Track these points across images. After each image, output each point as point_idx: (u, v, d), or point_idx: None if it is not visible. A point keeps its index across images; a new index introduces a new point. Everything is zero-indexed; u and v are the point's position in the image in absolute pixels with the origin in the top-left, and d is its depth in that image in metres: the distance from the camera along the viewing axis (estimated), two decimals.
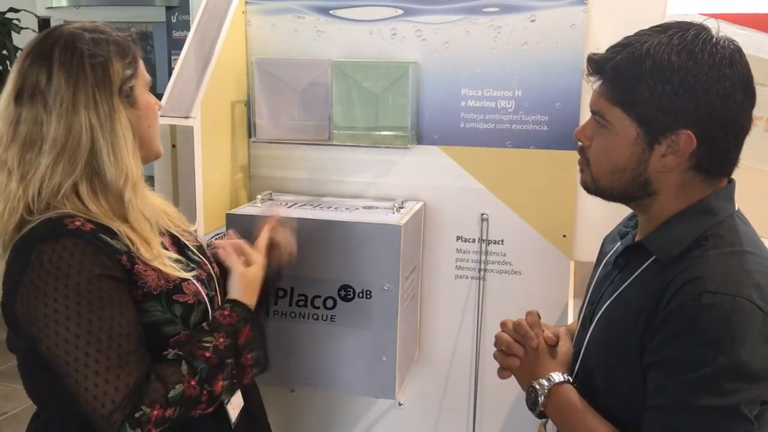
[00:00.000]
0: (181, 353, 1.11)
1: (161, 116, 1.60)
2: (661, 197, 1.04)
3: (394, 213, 1.71)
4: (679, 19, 1.02)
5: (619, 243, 1.18)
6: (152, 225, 1.17)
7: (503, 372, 1.22)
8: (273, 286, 1.50)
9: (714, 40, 0.97)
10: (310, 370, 1.74)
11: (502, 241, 1.85)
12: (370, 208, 1.80)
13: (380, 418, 2.02)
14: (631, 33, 1.03)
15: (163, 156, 1.63)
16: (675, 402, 0.93)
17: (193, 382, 1.09)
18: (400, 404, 1.98)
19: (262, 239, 1.40)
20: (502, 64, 1.77)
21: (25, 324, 1.06)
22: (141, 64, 1.19)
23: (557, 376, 1.13)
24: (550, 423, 1.23)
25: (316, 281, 1.69)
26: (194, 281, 1.19)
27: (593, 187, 1.09)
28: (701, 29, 0.98)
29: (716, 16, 2.29)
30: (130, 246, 1.11)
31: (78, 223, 1.07)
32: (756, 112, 2.43)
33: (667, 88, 0.96)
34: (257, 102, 1.87)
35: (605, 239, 1.28)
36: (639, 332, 0.99)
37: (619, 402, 1.05)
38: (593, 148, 1.07)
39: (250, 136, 1.92)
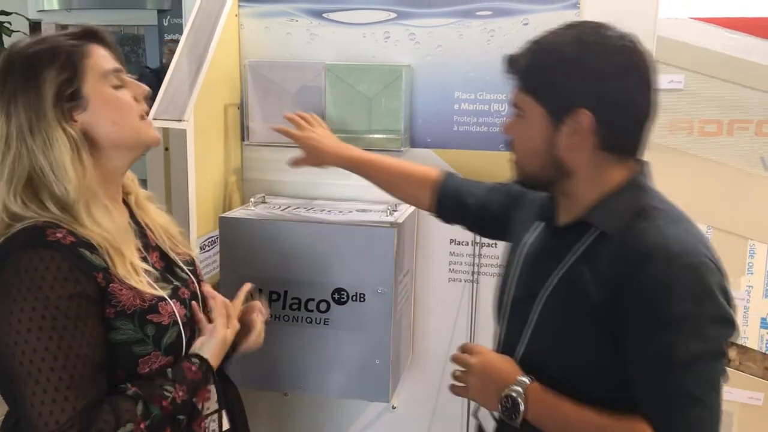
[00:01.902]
0: (140, 393, 1.08)
1: (154, 119, 1.60)
2: (578, 178, 1.14)
3: (387, 216, 1.72)
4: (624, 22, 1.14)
5: (537, 230, 1.26)
6: (118, 238, 1.13)
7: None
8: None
9: (609, 33, 1.10)
10: (304, 373, 1.73)
11: (496, 244, 1.85)
12: (364, 211, 1.80)
13: (374, 422, 2.01)
14: None
15: (156, 159, 1.63)
16: (668, 358, 1.02)
17: (143, 426, 1.05)
18: (393, 407, 1.98)
19: (238, 305, 1.34)
20: (495, 68, 1.73)
21: None
22: (93, 57, 1.13)
23: (525, 377, 1.15)
24: (483, 409, 1.28)
25: (309, 284, 1.69)
26: (171, 301, 1.17)
27: (521, 177, 1.21)
28: (601, 25, 1.12)
29: (707, 20, 2.32)
30: (108, 262, 1.09)
31: (59, 235, 1.06)
32: (745, 116, 2.45)
33: (563, 73, 1.09)
34: (250, 105, 1.87)
35: (513, 230, 1.36)
36: (602, 304, 1.07)
37: (573, 377, 1.12)
38: (515, 138, 1.19)
39: (243, 139, 1.92)
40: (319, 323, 1.70)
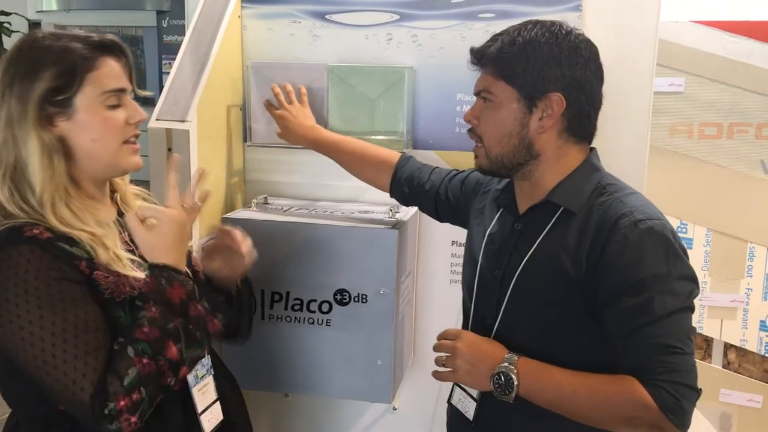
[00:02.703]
0: (122, 340, 1.09)
1: (157, 120, 1.60)
2: (543, 160, 1.24)
3: (389, 217, 1.72)
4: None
5: (497, 216, 1.35)
6: (98, 232, 1.14)
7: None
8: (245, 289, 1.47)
9: (570, 28, 1.23)
10: (305, 374, 1.73)
11: (466, 238, 1.85)
12: (366, 212, 1.80)
13: (374, 423, 2.01)
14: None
15: (159, 160, 1.63)
16: (647, 315, 1.12)
17: (145, 360, 1.07)
18: (394, 409, 1.98)
19: (170, 187, 1.19)
20: None
21: None
22: (99, 70, 1.14)
23: (512, 354, 1.20)
24: (456, 394, 1.37)
25: (311, 285, 1.69)
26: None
27: (486, 163, 1.28)
28: (559, 22, 1.24)
29: (707, 24, 2.33)
30: (90, 252, 1.11)
31: (36, 231, 1.08)
32: (745, 119, 2.46)
33: (539, 59, 1.19)
34: (253, 106, 1.87)
35: (471, 218, 1.46)
36: (576, 276, 1.17)
37: (549, 348, 1.20)
38: (482, 124, 1.26)
39: (245, 141, 1.92)
40: (321, 324, 1.70)
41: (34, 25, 4.28)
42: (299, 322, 1.71)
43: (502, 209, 1.35)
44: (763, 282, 2.41)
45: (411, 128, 1.85)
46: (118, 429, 1.04)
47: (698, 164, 2.39)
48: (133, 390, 1.05)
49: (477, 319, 1.35)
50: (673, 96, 2.35)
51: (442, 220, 1.67)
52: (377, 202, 1.86)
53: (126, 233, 1.21)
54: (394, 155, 1.67)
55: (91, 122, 1.13)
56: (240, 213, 1.78)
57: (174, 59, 1.74)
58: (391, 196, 1.67)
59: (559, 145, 1.24)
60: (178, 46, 1.78)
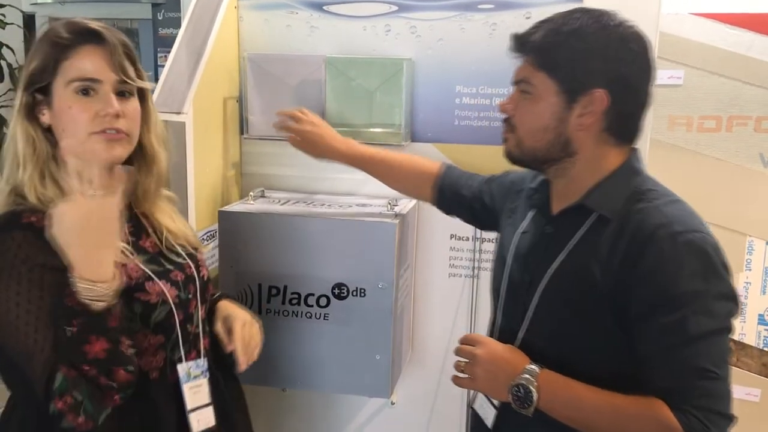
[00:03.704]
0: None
1: None
2: (580, 159, 1.16)
3: (388, 210, 1.70)
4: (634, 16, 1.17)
5: (529, 218, 1.27)
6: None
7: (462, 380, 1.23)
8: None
9: (620, 19, 1.14)
10: (303, 369, 1.72)
11: (496, 239, 1.84)
12: (364, 205, 1.78)
13: (372, 418, 2.00)
14: None
15: None
16: (680, 335, 1.04)
17: (66, 367, 1.04)
18: (392, 403, 1.97)
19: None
20: (497, 61, 1.76)
21: None
22: (73, 59, 1.12)
23: (534, 365, 1.14)
24: (479, 399, 1.29)
25: (309, 279, 1.68)
26: (160, 281, 1.17)
27: (517, 152, 1.20)
28: (609, 12, 1.15)
29: (708, 16, 2.31)
30: None
31: (34, 218, 1.09)
32: (745, 112, 2.45)
33: (584, 52, 1.11)
34: (250, 98, 1.85)
35: (503, 219, 1.38)
36: (607, 287, 1.09)
37: (575, 360, 1.13)
38: (518, 114, 1.18)
39: (242, 133, 1.90)
40: (319, 318, 1.68)
41: (29, 17, 4.25)
42: (297, 316, 1.69)
43: (535, 210, 1.27)
44: (761, 276, 2.40)
45: (409, 121, 1.83)
46: (70, 427, 1.02)
47: (697, 157, 2.37)
48: (64, 393, 1.02)
49: (503, 323, 1.28)
50: (672, 89, 2.33)
51: (484, 228, 1.63)
52: (375, 195, 1.85)
53: (128, 224, 1.21)
54: (433, 165, 1.60)
55: (60, 111, 1.13)
56: (237, 206, 1.76)
57: (170, 52, 1.72)
58: (437, 207, 1.61)
59: (598, 144, 1.15)
60: (173, 39, 1.75)
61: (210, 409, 1.25)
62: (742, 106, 2.33)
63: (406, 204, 1.78)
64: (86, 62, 1.12)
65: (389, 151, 1.64)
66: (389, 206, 1.71)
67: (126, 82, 1.15)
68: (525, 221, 1.28)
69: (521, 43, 1.17)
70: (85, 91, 1.12)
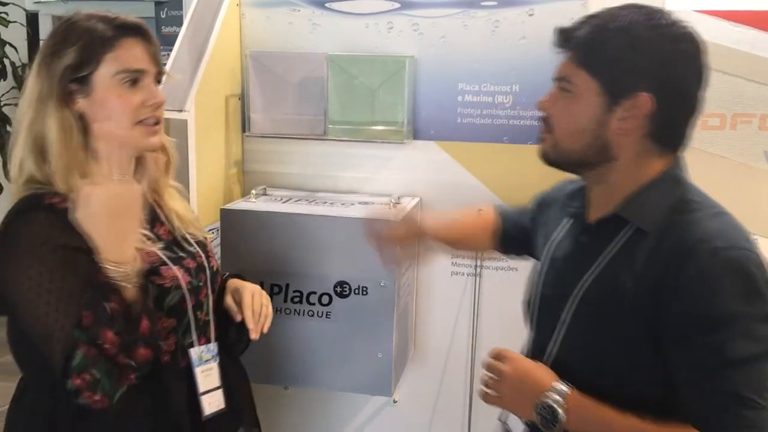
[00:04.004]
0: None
1: None
2: (619, 165, 1.08)
3: (390, 209, 1.70)
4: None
5: (565, 228, 1.20)
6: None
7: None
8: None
9: (673, 18, 1.05)
10: (305, 367, 1.72)
11: None
12: (366, 203, 1.78)
13: (375, 416, 2.00)
14: None
15: None
16: (718, 359, 0.97)
17: (86, 345, 1.06)
18: (394, 401, 1.96)
19: None
20: (500, 59, 1.76)
21: (3, 286, 1.11)
22: (118, 50, 1.16)
23: (563, 384, 1.07)
24: (511, 417, 1.23)
25: (311, 277, 1.68)
26: (174, 267, 1.20)
27: (553, 153, 1.12)
28: (662, 9, 1.06)
29: (712, 13, 2.30)
30: None
31: (55, 200, 1.12)
32: (749, 110, 2.43)
33: (630, 51, 1.02)
34: (251, 96, 1.85)
35: (539, 231, 1.30)
36: (642, 303, 1.02)
37: (607, 378, 1.06)
38: (556, 113, 1.11)
39: (244, 131, 1.90)
40: (321, 316, 1.68)
41: (32, 15, 4.25)
42: (299, 314, 1.69)
43: (571, 219, 1.20)
44: None
45: (412, 118, 1.83)
46: (86, 404, 1.06)
47: (701, 155, 2.36)
48: (82, 371, 1.05)
49: (536, 337, 1.21)
50: None
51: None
52: (377, 194, 1.85)
53: (145, 212, 1.22)
54: (486, 216, 1.49)
55: (106, 101, 1.16)
56: (239, 204, 1.76)
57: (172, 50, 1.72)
58: (502, 253, 1.53)
59: (639, 151, 1.07)
60: (176, 37, 1.75)
61: (220, 392, 1.28)
62: (747, 103, 2.32)
63: (409, 202, 1.78)
64: (132, 54, 1.17)
65: (448, 222, 1.52)
66: (391, 204, 1.71)
67: (162, 73, 1.21)
68: (560, 230, 1.22)
69: (565, 37, 1.09)
70: (134, 81, 1.17)
